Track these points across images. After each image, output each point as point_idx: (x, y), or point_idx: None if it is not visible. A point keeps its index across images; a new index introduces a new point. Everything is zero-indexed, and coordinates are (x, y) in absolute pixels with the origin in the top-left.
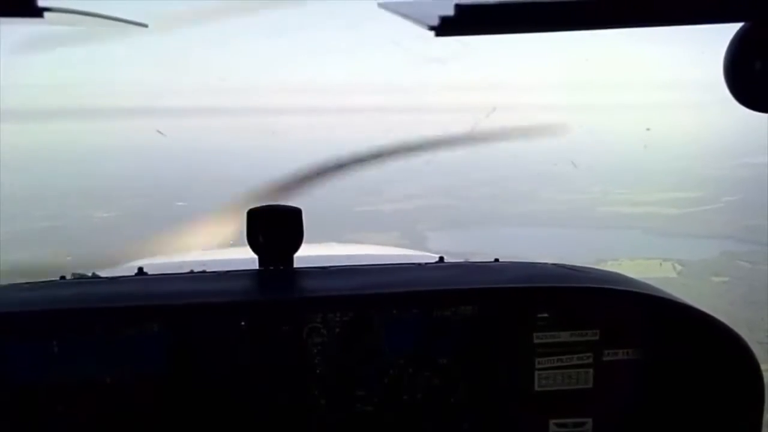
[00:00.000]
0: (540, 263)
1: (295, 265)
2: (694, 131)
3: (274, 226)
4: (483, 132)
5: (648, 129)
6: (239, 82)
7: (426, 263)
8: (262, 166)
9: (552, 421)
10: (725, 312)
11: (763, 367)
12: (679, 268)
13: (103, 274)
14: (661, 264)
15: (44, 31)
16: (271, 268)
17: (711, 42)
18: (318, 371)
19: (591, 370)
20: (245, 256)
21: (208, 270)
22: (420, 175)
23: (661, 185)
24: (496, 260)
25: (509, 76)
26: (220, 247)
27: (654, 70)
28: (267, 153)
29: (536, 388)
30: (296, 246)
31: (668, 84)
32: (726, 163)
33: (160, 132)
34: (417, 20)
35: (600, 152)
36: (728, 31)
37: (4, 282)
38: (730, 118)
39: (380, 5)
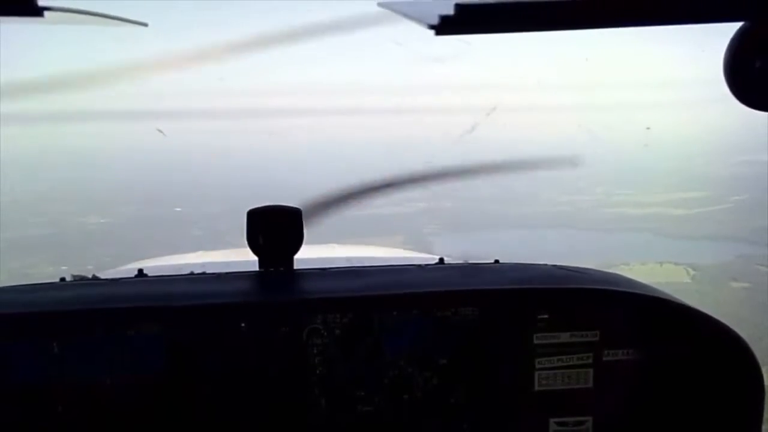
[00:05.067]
0: (540, 264)
1: (295, 266)
2: (694, 130)
3: (274, 227)
4: (484, 133)
5: (648, 128)
6: (238, 83)
7: (426, 264)
8: (260, 168)
9: (552, 420)
10: (748, 321)
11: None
12: (692, 272)
13: (103, 275)
14: (673, 268)
15: (38, 36)
16: (271, 269)
17: (711, 41)
18: (318, 372)
19: (591, 370)
20: (245, 258)
21: (208, 271)
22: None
23: (665, 185)
24: (496, 261)
25: (509, 75)
26: (220, 248)
27: (654, 68)
28: (266, 155)
29: (536, 387)
30: (296, 247)
31: (667, 82)
32: (727, 161)
33: (160, 131)
34: (417, 20)
35: (600, 152)
36: (728, 30)
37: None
38: (729, 116)
39: (380, 5)
